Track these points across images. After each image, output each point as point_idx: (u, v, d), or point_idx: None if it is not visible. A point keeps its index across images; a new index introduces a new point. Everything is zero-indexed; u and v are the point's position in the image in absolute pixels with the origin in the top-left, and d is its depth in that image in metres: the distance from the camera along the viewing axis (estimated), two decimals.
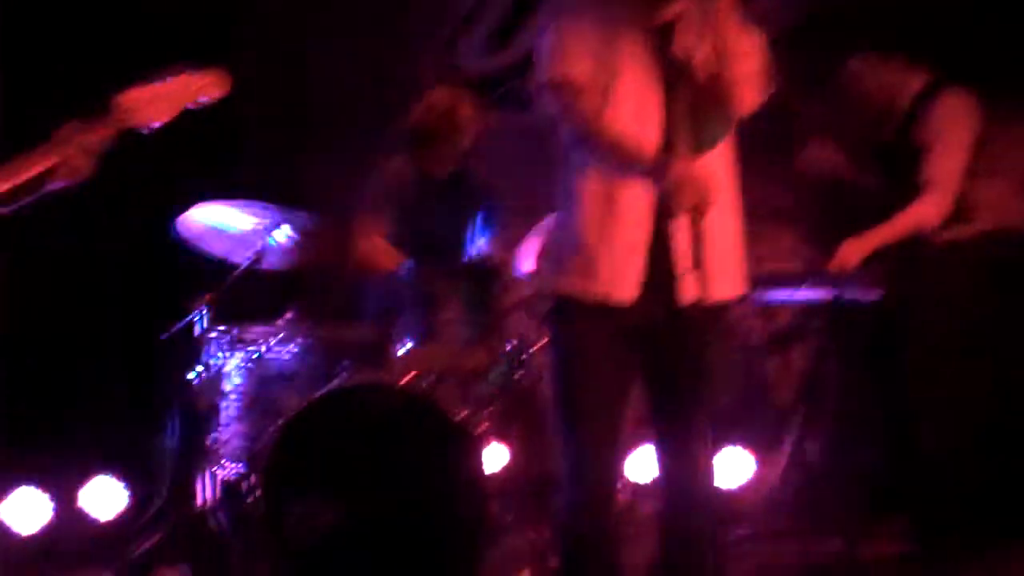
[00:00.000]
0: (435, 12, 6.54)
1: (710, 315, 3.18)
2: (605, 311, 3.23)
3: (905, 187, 4.72)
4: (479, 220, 5.06)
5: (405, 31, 6.52)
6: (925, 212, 4.63)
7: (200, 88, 3.07)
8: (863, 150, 5.17)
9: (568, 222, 3.32)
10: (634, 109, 3.23)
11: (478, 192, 5.09)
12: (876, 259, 4.63)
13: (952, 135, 4.69)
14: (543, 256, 3.46)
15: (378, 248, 4.83)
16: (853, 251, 4.63)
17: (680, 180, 3.00)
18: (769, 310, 5.07)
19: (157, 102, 2.99)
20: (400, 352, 4.41)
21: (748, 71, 3.18)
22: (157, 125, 3.00)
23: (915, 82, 4.80)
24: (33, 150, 2.89)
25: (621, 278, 3.21)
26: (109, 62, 4.39)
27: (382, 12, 6.49)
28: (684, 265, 3.08)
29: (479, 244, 5.04)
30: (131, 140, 3.05)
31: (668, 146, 3.18)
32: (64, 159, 2.88)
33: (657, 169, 3.06)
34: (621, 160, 3.18)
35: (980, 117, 4.79)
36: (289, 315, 4.52)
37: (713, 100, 3.21)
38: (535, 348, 4.50)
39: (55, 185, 2.91)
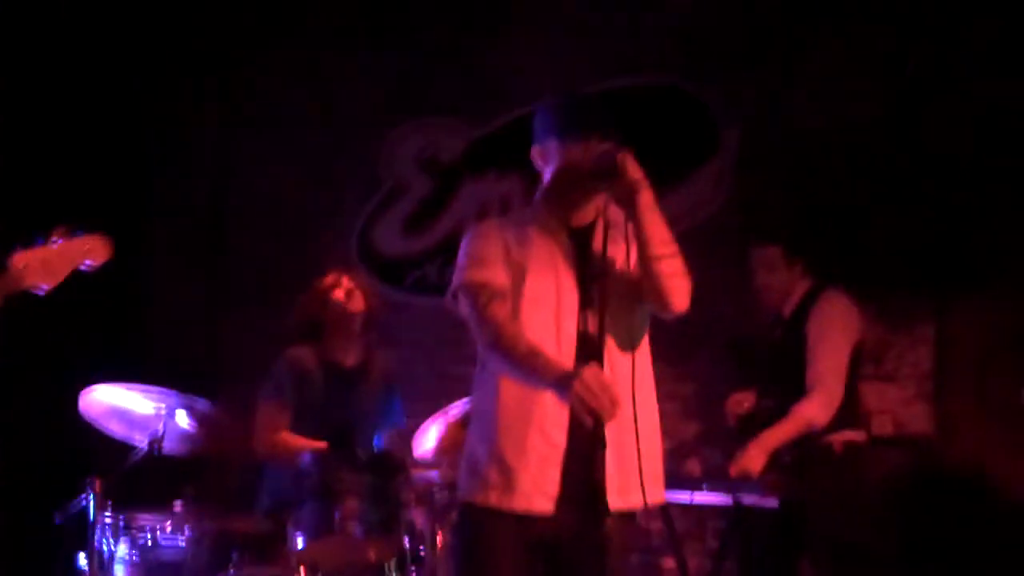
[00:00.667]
0: (355, 194, 6.63)
1: (623, 522, 3.24)
2: (519, 520, 3.24)
3: (791, 387, 4.80)
4: (383, 408, 5.04)
5: (325, 208, 6.59)
6: (810, 411, 4.68)
7: (86, 251, 3.14)
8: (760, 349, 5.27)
9: (485, 430, 3.34)
10: (551, 312, 3.28)
11: (382, 380, 5.07)
12: (771, 465, 4.67)
13: (830, 334, 4.78)
14: (463, 460, 3.44)
15: (280, 437, 4.77)
16: (754, 456, 4.67)
17: (587, 388, 3.00)
18: (667, 511, 5.07)
19: (47, 265, 3.05)
20: (296, 546, 4.32)
21: (675, 267, 3.24)
22: (47, 288, 3.04)
23: (803, 284, 4.93)
24: None
25: (538, 491, 3.23)
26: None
27: (305, 184, 6.56)
28: (601, 474, 3.09)
29: (382, 434, 5.02)
30: (38, 309, 3.03)
31: (582, 346, 3.24)
32: None
33: (564, 380, 3.05)
34: (530, 372, 3.18)
35: (859, 317, 4.89)
36: (180, 503, 4.42)
37: (633, 298, 3.27)
38: (432, 543, 4.45)
39: None
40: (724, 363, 5.90)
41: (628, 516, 3.31)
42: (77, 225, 3.16)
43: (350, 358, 4.99)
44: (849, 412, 4.78)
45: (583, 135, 3.30)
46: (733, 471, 4.65)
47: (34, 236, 3.09)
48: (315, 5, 6.61)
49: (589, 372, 3.04)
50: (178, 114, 6.77)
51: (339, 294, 4.93)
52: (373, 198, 6.60)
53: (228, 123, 6.68)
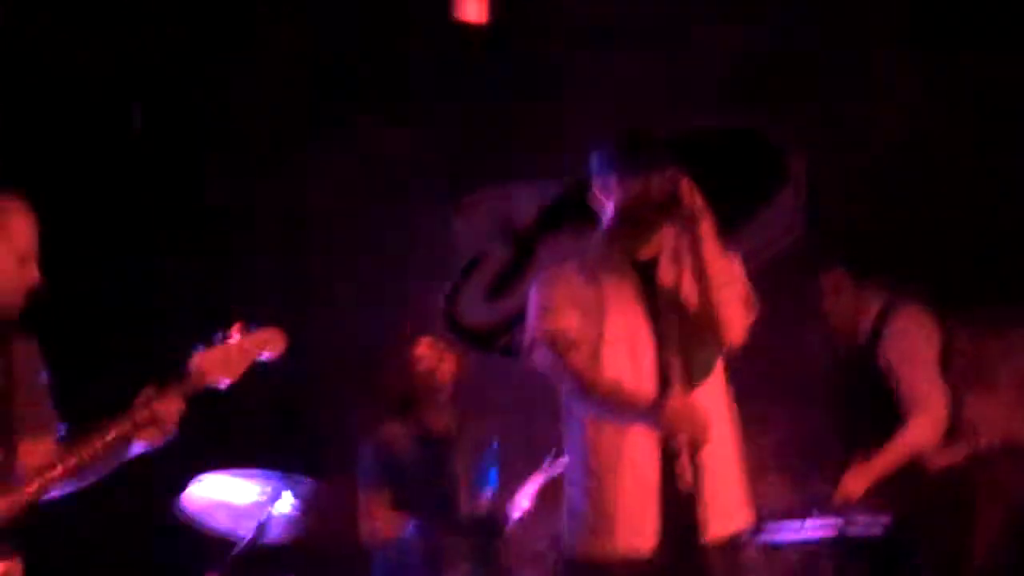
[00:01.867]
0: (435, 265, 6.70)
1: (726, 550, 3.26)
2: (625, 562, 3.26)
3: (883, 412, 4.72)
4: (480, 471, 5.07)
5: (406, 284, 6.67)
6: (918, 434, 4.58)
7: (262, 345, 3.28)
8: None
9: (579, 478, 3.38)
10: (627, 348, 3.32)
11: (476, 445, 5.10)
12: (875, 491, 4.60)
13: (914, 352, 4.68)
14: (563, 514, 3.47)
15: (381, 520, 4.81)
16: (856, 482, 4.59)
17: (676, 415, 3.05)
18: (774, 551, 5.00)
19: (227, 362, 3.20)
20: None
21: (732, 297, 3.27)
22: (227, 383, 3.20)
23: (874, 305, 4.85)
24: (112, 418, 3.06)
25: (639, 531, 3.25)
26: None
27: (385, 260, 6.65)
28: (695, 503, 3.12)
29: (482, 496, 5.04)
30: None
31: (663, 379, 3.26)
32: (145, 425, 3.07)
33: (652, 411, 3.10)
34: (617, 409, 3.23)
35: (936, 330, 4.78)
36: None
37: (702, 329, 3.28)
38: None
39: (137, 450, 3.12)
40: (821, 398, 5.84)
41: (731, 542, 3.31)
42: (251, 320, 3.31)
43: (441, 424, 5.03)
44: (955, 427, 4.69)
45: (642, 168, 3.35)
46: (836, 497, 4.59)
47: (211, 334, 3.24)
48: (371, 82, 6.68)
49: (677, 399, 3.09)
50: (252, 206, 6.86)
51: (427, 364, 4.97)
52: (454, 270, 6.66)
53: (300, 211, 6.78)
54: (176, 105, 6.52)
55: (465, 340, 6.42)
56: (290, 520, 4.63)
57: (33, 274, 3.21)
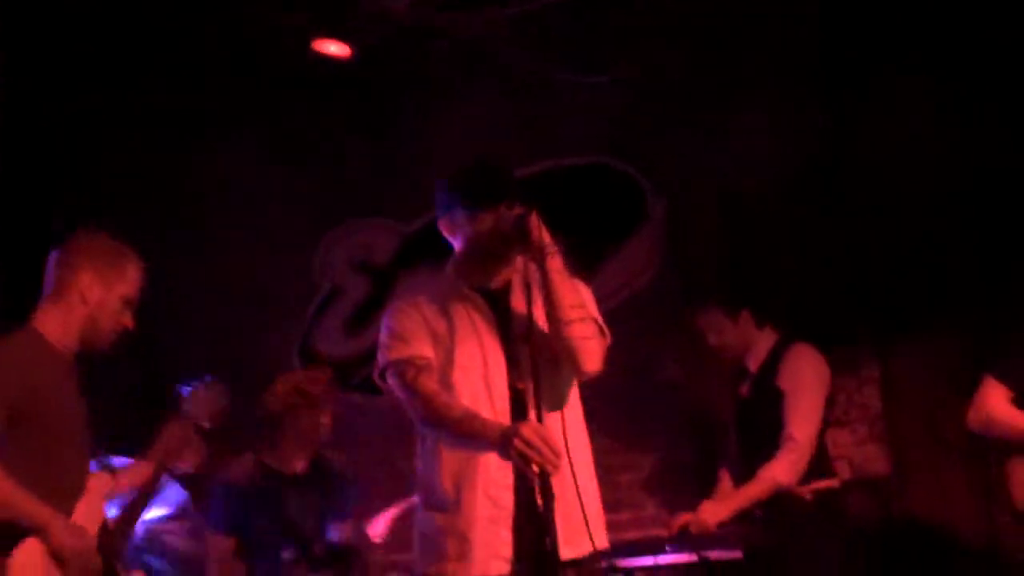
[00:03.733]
0: (294, 298, 6.63)
1: (580, 573, 3.25)
2: None
3: (761, 442, 4.79)
4: (333, 509, 4.96)
5: (264, 320, 6.57)
6: (777, 473, 4.68)
7: (224, 394, 3.95)
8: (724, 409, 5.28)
9: (434, 502, 3.35)
10: (479, 375, 3.31)
11: (335, 478, 5.02)
12: (739, 518, 4.66)
13: (804, 392, 4.79)
14: (416, 539, 3.42)
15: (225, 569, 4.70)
16: (715, 512, 4.67)
17: (528, 441, 3.01)
18: None
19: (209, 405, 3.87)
20: None
21: (585, 328, 3.28)
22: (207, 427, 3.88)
23: (764, 340, 4.94)
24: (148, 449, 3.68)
25: (494, 554, 3.23)
26: None
27: (242, 292, 6.55)
28: (550, 527, 3.07)
29: (338, 530, 4.95)
30: None
31: (515, 406, 3.26)
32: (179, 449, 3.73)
33: (503, 436, 3.07)
34: (469, 434, 3.20)
35: (827, 371, 4.92)
36: None
37: (556, 357, 3.29)
38: None
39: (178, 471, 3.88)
40: (684, 432, 5.91)
41: (579, 564, 3.29)
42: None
43: (298, 464, 4.92)
44: (820, 461, 4.79)
45: (490, 203, 3.34)
46: (692, 526, 4.63)
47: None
48: (235, 122, 6.63)
49: (527, 426, 3.07)
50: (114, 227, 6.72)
51: (317, 400, 4.89)
52: (310, 305, 6.58)
53: (160, 238, 6.64)
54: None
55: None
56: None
57: (129, 320, 3.63)
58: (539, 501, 3.08)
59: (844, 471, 5.57)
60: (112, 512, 3.59)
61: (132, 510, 3.62)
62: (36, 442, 3.36)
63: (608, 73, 6.18)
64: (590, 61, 6.23)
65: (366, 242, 6.63)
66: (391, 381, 3.40)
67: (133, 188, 6.63)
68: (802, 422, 4.73)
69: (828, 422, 4.96)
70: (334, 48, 6.12)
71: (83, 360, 3.66)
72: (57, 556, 3.30)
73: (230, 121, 6.63)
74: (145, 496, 3.65)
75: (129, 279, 3.61)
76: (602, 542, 3.37)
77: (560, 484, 3.12)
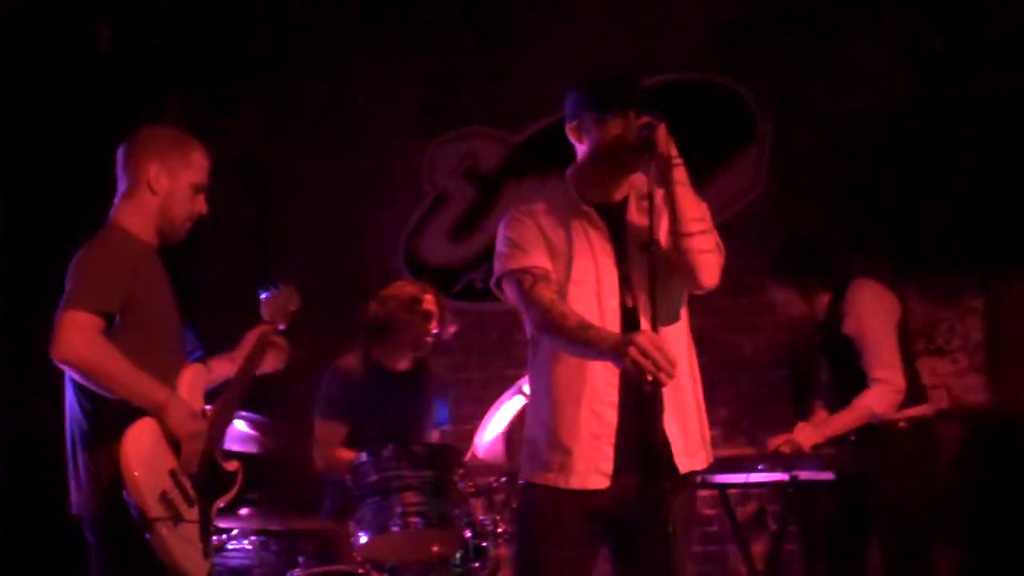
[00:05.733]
0: (401, 203, 6.72)
1: (683, 488, 3.28)
2: (580, 494, 3.29)
3: (851, 375, 4.79)
4: (436, 410, 5.09)
5: (370, 222, 6.68)
6: (877, 399, 4.67)
7: (291, 297, 3.98)
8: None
9: (540, 412, 3.40)
10: (592, 290, 3.33)
11: (434, 383, 5.13)
12: (832, 441, 4.68)
13: (871, 323, 4.76)
14: (521, 446, 3.49)
15: (338, 458, 4.81)
16: (809, 435, 4.69)
17: (644, 349, 2.99)
18: (725, 496, 5.08)
19: (283, 310, 3.94)
20: (359, 543, 4.36)
21: (706, 241, 3.27)
22: (283, 328, 3.95)
23: (824, 296, 4.92)
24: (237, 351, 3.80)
25: (594, 469, 3.28)
26: None
27: (349, 196, 6.66)
28: (655, 439, 3.11)
29: (436, 433, 5.08)
30: None
31: (626, 322, 3.28)
32: (262, 353, 3.81)
33: (621, 344, 3.05)
34: (585, 342, 3.21)
35: (893, 298, 4.87)
36: (246, 509, 4.46)
37: (671, 272, 3.30)
38: (494, 536, 4.49)
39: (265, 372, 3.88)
40: (782, 353, 5.93)
41: (687, 481, 3.35)
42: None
43: (402, 364, 5.05)
44: (913, 389, 4.77)
45: (621, 109, 3.32)
46: (785, 448, 4.67)
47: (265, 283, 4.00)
48: (346, 24, 6.69)
49: (643, 335, 3.05)
50: (217, 132, 6.86)
51: (425, 313, 4.98)
52: (416, 210, 6.67)
53: (267, 140, 6.77)
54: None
55: (424, 278, 6.42)
56: (246, 438, 4.63)
57: (202, 205, 3.67)
58: (643, 421, 3.11)
59: (942, 400, 5.58)
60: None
61: (226, 406, 3.64)
62: (141, 331, 3.41)
63: None
64: None
65: (473, 150, 6.66)
66: (507, 290, 3.42)
67: (237, 96, 6.76)
68: (881, 360, 4.71)
69: (915, 349, 4.92)
70: None
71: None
72: (173, 436, 3.36)
73: (341, 26, 6.69)
74: (239, 392, 3.69)
75: (196, 166, 3.62)
76: (705, 460, 3.41)
77: (674, 398, 3.17)
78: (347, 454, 4.74)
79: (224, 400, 3.65)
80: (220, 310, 5.92)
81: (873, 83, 6.00)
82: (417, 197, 6.68)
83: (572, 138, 3.46)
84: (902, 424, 4.73)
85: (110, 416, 3.35)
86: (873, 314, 4.78)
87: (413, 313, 4.97)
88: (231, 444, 4.52)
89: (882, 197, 5.90)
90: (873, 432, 4.70)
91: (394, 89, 6.69)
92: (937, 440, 4.89)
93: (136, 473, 3.25)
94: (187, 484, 3.40)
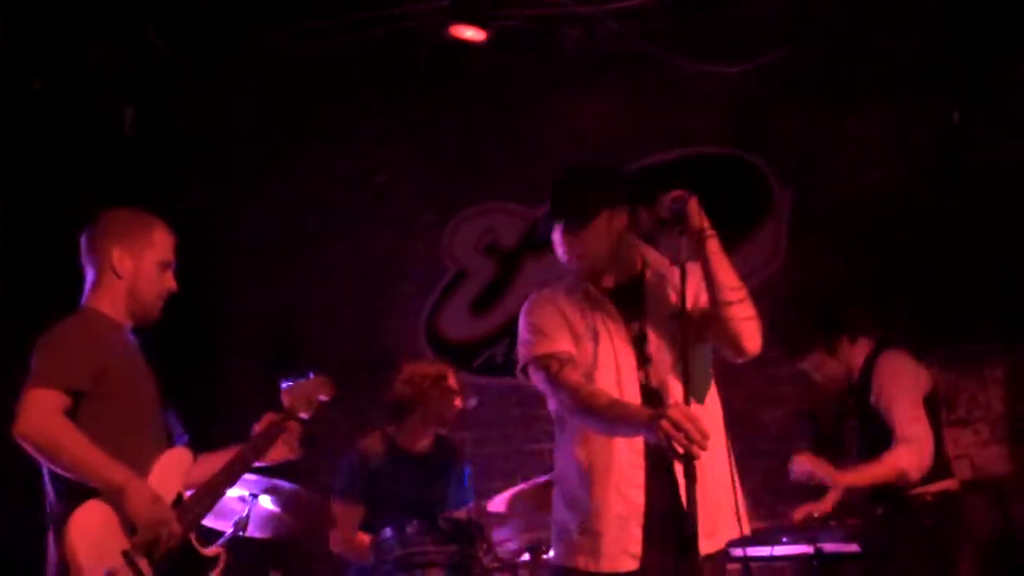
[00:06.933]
0: (421, 280, 6.77)
1: (715, 564, 3.30)
2: None
3: (882, 441, 4.77)
4: (460, 488, 5.10)
5: (393, 300, 6.72)
6: (901, 461, 4.61)
7: (322, 387, 3.95)
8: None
9: (568, 494, 3.41)
10: (613, 373, 3.35)
11: (458, 460, 5.15)
12: (854, 513, 4.66)
13: (900, 390, 4.73)
14: (553, 524, 3.49)
15: (352, 541, 4.82)
16: (840, 475, 4.66)
17: (676, 422, 2.98)
18: (748, 570, 5.05)
19: (308, 400, 3.90)
20: None
21: (746, 308, 3.29)
22: (307, 418, 3.88)
23: (858, 357, 4.91)
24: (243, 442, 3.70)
25: (623, 551, 3.28)
26: None
27: (370, 273, 6.70)
28: (686, 516, 3.07)
29: (462, 511, 5.07)
30: None
31: (650, 401, 3.28)
32: (268, 446, 3.73)
33: (653, 419, 3.03)
34: (617, 419, 3.22)
35: (922, 370, 4.84)
36: None
37: (699, 343, 3.31)
38: None
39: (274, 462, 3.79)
40: (794, 430, 5.93)
41: (716, 559, 3.34)
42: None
43: (423, 443, 5.06)
44: (939, 462, 4.74)
45: (582, 223, 3.37)
46: (804, 509, 4.64)
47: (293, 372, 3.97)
48: (365, 102, 6.79)
49: (676, 408, 3.04)
50: (242, 216, 6.96)
51: (449, 389, 5.01)
52: (437, 285, 6.71)
53: (290, 220, 6.86)
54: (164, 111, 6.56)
55: (445, 353, 6.47)
56: (271, 518, 4.64)
57: (171, 282, 3.64)
58: (682, 488, 3.06)
59: (965, 471, 5.55)
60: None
61: (210, 491, 3.58)
62: (112, 410, 3.38)
63: (738, 64, 6.21)
64: (720, 51, 6.26)
65: (493, 225, 6.74)
66: (534, 376, 3.43)
67: (259, 176, 6.85)
68: (908, 419, 4.67)
69: (942, 422, 4.91)
70: (470, 33, 6.21)
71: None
72: (131, 520, 3.28)
73: (363, 105, 6.79)
74: (228, 478, 3.63)
75: (158, 243, 3.61)
76: (741, 531, 3.38)
77: (703, 472, 3.09)
78: (364, 537, 4.76)
79: (209, 485, 3.57)
80: (245, 391, 6.00)
81: (892, 154, 6.05)
82: (438, 273, 6.73)
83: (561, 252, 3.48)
84: (928, 497, 4.70)
85: (68, 495, 3.31)
86: (900, 384, 4.75)
87: (440, 389, 5.00)
88: (253, 531, 4.53)
89: (903, 268, 5.92)
90: (899, 504, 4.68)
91: (414, 166, 6.78)
92: (963, 513, 4.85)
93: (80, 556, 3.21)
94: (144, 566, 3.30)
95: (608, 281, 3.45)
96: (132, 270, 3.54)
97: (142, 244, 3.57)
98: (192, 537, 3.48)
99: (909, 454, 4.63)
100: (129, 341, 3.58)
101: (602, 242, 3.37)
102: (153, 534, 3.31)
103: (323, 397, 3.94)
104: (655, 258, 3.49)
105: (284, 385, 3.92)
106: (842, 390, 4.98)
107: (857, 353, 4.90)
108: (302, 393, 3.89)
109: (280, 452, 3.78)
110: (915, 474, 4.62)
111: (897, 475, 4.62)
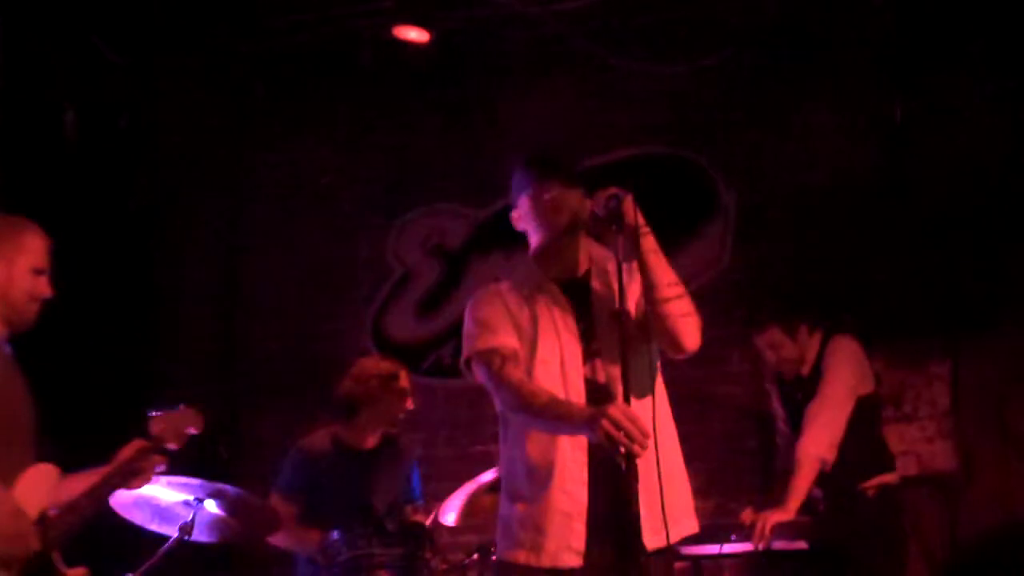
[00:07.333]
0: (367, 281, 6.73)
1: (661, 561, 3.25)
2: (552, 573, 3.27)
3: None
4: (408, 486, 5.07)
5: (337, 300, 6.68)
6: (809, 446, 4.63)
7: (192, 420, 3.83)
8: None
9: (512, 491, 3.39)
10: (557, 368, 3.33)
11: (406, 458, 5.11)
12: (803, 510, 4.67)
13: (835, 374, 4.75)
14: (499, 521, 3.47)
15: (292, 533, 4.79)
16: (777, 518, 4.66)
17: (616, 421, 2.99)
18: (699, 567, 5.06)
19: (175, 431, 3.77)
20: None
21: (683, 306, 3.28)
22: (175, 450, 3.76)
23: (812, 351, 4.92)
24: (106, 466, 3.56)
25: (566, 547, 3.26)
26: None
27: (315, 274, 6.67)
28: (629, 514, 3.10)
29: (408, 509, 5.04)
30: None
31: (595, 396, 3.27)
32: (131, 474, 3.60)
33: (592, 418, 3.04)
34: (556, 419, 3.22)
35: (864, 359, 4.86)
36: None
37: (643, 341, 3.31)
38: None
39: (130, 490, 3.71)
40: (749, 423, 5.95)
41: (662, 554, 3.30)
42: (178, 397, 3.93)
43: (371, 441, 5.03)
44: (881, 456, 4.79)
45: (553, 173, 3.41)
46: (754, 538, 4.63)
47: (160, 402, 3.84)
48: (309, 104, 6.75)
49: (615, 407, 3.04)
50: (187, 215, 6.89)
51: (401, 390, 4.99)
52: (383, 287, 6.68)
53: (233, 220, 6.81)
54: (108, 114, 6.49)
55: (392, 355, 6.42)
56: (217, 522, 4.58)
57: (45, 287, 3.56)
58: (614, 499, 3.10)
59: (911, 467, 5.60)
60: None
61: (76, 509, 3.47)
62: None
63: (683, 65, 6.23)
64: (665, 52, 6.27)
65: (439, 227, 6.71)
66: (477, 370, 3.42)
67: (203, 176, 6.79)
68: (827, 399, 4.69)
69: (882, 420, 4.94)
70: (414, 34, 6.19)
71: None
72: None
73: (307, 106, 6.75)
74: (93, 500, 3.52)
75: (30, 249, 3.55)
76: (692, 527, 3.39)
77: (646, 472, 3.12)
78: (307, 529, 4.72)
79: (72, 505, 3.47)
80: (188, 393, 5.92)
81: (836, 153, 6.08)
82: (384, 275, 6.69)
83: (521, 226, 3.50)
84: (871, 492, 4.74)
85: None
86: (840, 363, 4.78)
87: (389, 390, 4.97)
88: (200, 535, 4.47)
89: (848, 266, 5.96)
90: (843, 500, 4.70)
91: (359, 167, 6.74)
92: (906, 507, 4.89)
93: None
94: None
95: (560, 271, 3.45)
96: (4, 276, 3.50)
97: (14, 250, 3.52)
98: (56, 555, 3.40)
99: (813, 435, 4.64)
100: (4, 352, 3.50)
101: (578, 210, 3.37)
102: (11, 548, 3.25)
103: (192, 430, 3.82)
104: (603, 255, 3.48)
105: (153, 414, 3.80)
106: (791, 381, 4.99)
107: (812, 346, 4.91)
108: (171, 424, 3.79)
109: (139, 481, 3.68)
110: (830, 453, 4.63)
111: (819, 465, 4.64)
